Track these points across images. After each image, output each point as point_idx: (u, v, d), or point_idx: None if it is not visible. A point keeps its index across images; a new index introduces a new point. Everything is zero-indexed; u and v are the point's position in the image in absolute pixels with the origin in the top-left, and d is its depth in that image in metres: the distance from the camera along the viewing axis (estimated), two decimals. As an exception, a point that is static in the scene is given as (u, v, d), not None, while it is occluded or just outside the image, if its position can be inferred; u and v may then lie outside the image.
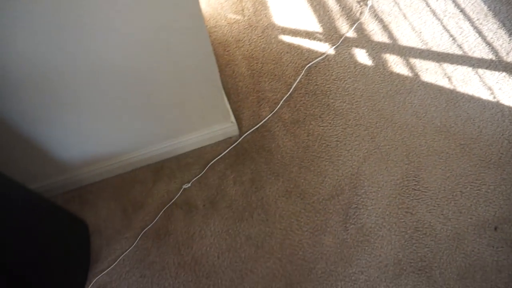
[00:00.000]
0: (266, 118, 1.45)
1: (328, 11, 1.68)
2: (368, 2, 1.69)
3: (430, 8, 1.66)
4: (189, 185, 1.35)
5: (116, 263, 1.23)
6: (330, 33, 1.63)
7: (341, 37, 1.61)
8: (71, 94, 1.00)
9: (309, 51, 1.59)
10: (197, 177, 1.36)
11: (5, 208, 0.92)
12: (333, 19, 1.66)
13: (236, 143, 1.41)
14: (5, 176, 0.96)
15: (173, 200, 1.33)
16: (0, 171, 0.97)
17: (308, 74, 1.54)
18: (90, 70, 0.95)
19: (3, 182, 0.95)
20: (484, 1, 1.65)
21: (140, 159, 1.36)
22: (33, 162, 1.20)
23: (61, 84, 0.96)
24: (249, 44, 1.61)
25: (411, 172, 1.32)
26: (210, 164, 1.38)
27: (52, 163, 1.23)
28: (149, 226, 1.29)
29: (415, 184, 1.30)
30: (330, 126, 1.42)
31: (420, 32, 1.60)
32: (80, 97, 1.02)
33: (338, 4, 1.69)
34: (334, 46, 1.59)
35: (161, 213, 1.31)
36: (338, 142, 1.39)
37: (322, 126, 1.42)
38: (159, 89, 1.11)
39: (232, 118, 1.39)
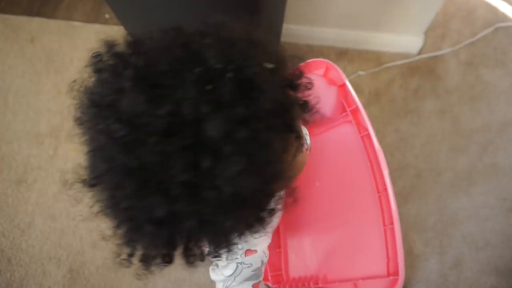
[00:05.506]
0: (445, 51, 1.64)
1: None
2: None
3: None
4: (364, 73, 1.60)
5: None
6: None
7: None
8: None
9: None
10: (371, 70, 1.61)
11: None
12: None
13: (412, 59, 1.63)
14: None
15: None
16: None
17: (495, 33, 1.67)
18: None
19: None
20: None
21: (331, 38, 1.63)
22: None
23: None
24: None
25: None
26: (385, 65, 1.61)
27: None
28: (321, 89, 1.57)
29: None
30: (500, 79, 1.58)
31: None
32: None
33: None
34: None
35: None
36: (502, 94, 1.55)
37: (493, 77, 1.58)
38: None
39: (423, 35, 1.60)
